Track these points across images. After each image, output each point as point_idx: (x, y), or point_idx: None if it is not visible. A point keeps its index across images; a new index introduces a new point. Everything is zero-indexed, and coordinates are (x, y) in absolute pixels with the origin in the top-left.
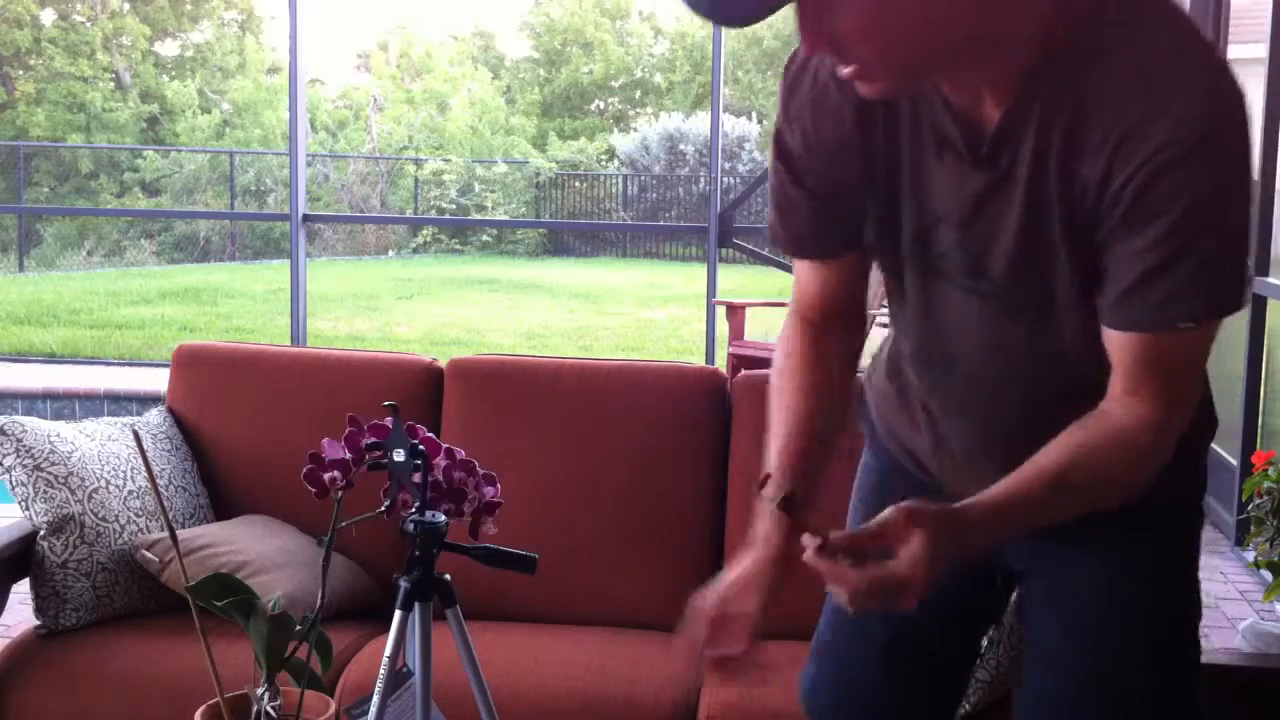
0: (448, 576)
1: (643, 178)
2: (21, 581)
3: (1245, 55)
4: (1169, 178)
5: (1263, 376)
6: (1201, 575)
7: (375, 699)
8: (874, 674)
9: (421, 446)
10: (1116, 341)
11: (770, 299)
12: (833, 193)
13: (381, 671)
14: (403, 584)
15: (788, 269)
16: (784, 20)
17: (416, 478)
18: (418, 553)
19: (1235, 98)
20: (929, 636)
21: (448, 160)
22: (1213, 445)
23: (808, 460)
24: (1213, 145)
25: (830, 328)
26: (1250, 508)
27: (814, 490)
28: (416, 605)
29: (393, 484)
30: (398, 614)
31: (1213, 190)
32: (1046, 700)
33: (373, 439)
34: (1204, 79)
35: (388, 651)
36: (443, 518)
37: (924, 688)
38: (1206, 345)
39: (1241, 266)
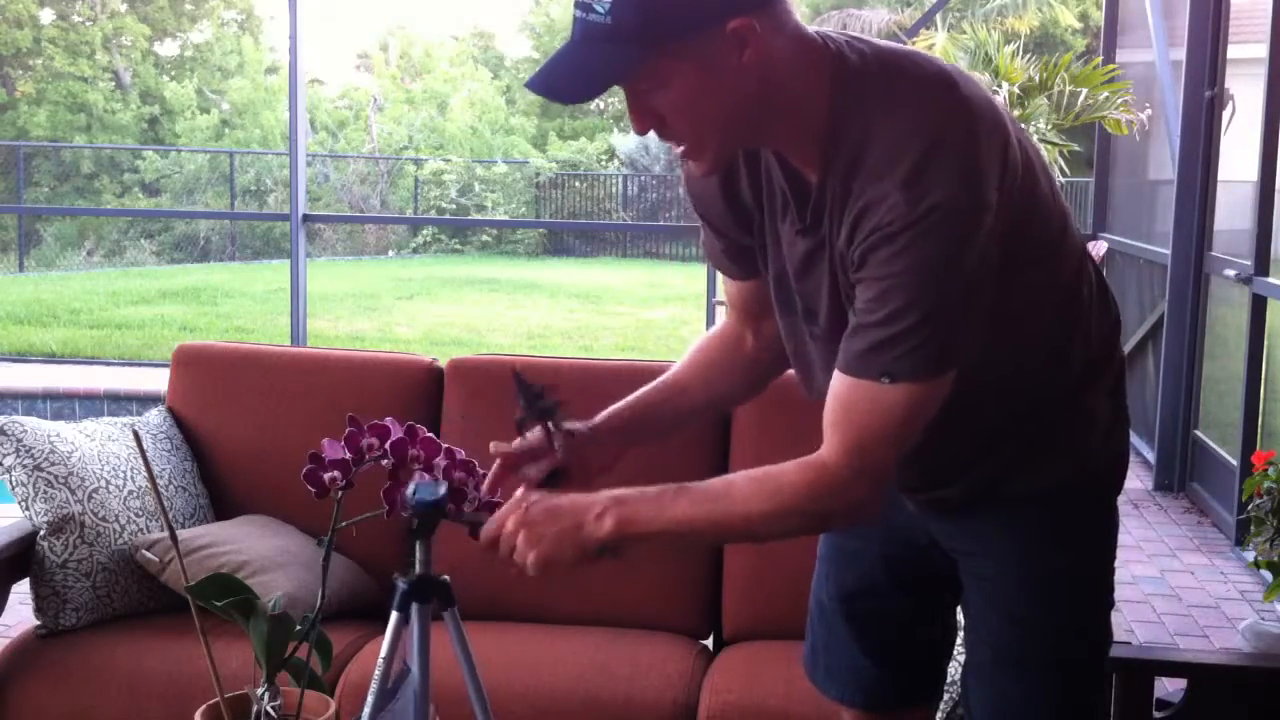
0: (446, 578)
1: (643, 178)
2: (21, 581)
3: (1245, 55)
4: (882, 250)
5: (1263, 376)
6: (1201, 575)
7: (370, 699)
8: (844, 633)
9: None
10: (833, 380)
11: None
12: (718, 225)
13: (376, 673)
14: (400, 585)
15: None
16: None
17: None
18: (417, 522)
19: (953, 187)
20: (886, 594)
21: (448, 160)
22: (1213, 445)
23: (649, 413)
24: (918, 231)
25: (754, 326)
26: (1250, 508)
27: (638, 437)
28: (415, 607)
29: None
30: (394, 615)
31: (916, 268)
32: (975, 666)
33: (373, 436)
34: (925, 171)
35: (383, 654)
36: (444, 488)
37: (897, 653)
38: (906, 407)
39: (947, 337)
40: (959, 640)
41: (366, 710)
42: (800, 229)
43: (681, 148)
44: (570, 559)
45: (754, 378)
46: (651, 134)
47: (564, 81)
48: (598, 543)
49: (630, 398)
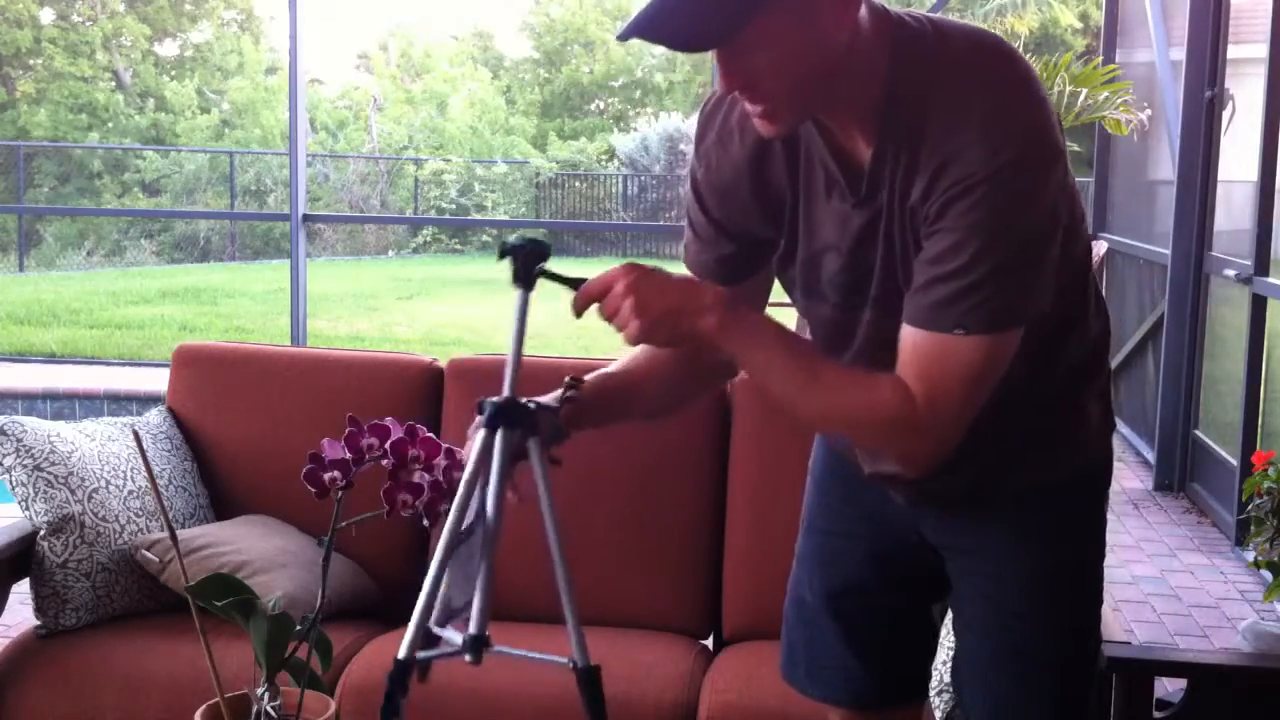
0: (534, 404)
1: (643, 178)
2: (21, 581)
3: (1245, 55)
4: (962, 202)
5: (1263, 376)
6: (1201, 575)
7: (445, 532)
8: (829, 631)
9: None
10: (902, 335)
11: (771, 299)
12: (731, 226)
13: (457, 498)
14: (489, 405)
15: None
16: None
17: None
18: (518, 268)
19: (1026, 137)
20: (874, 592)
21: (448, 160)
22: (1213, 445)
23: (611, 390)
24: (998, 180)
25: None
26: (1250, 508)
27: (596, 410)
28: (500, 431)
29: None
30: (482, 432)
31: (994, 217)
32: (967, 659)
33: (373, 436)
34: (998, 123)
35: (465, 476)
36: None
37: (885, 651)
38: (980, 360)
39: (1021, 287)
40: (953, 641)
41: (442, 541)
42: (855, 202)
43: (759, 108)
44: (665, 339)
45: (700, 379)
46: (651, 133)
47: (677, 26)
48: (696, 334)
49: (613, 369)
